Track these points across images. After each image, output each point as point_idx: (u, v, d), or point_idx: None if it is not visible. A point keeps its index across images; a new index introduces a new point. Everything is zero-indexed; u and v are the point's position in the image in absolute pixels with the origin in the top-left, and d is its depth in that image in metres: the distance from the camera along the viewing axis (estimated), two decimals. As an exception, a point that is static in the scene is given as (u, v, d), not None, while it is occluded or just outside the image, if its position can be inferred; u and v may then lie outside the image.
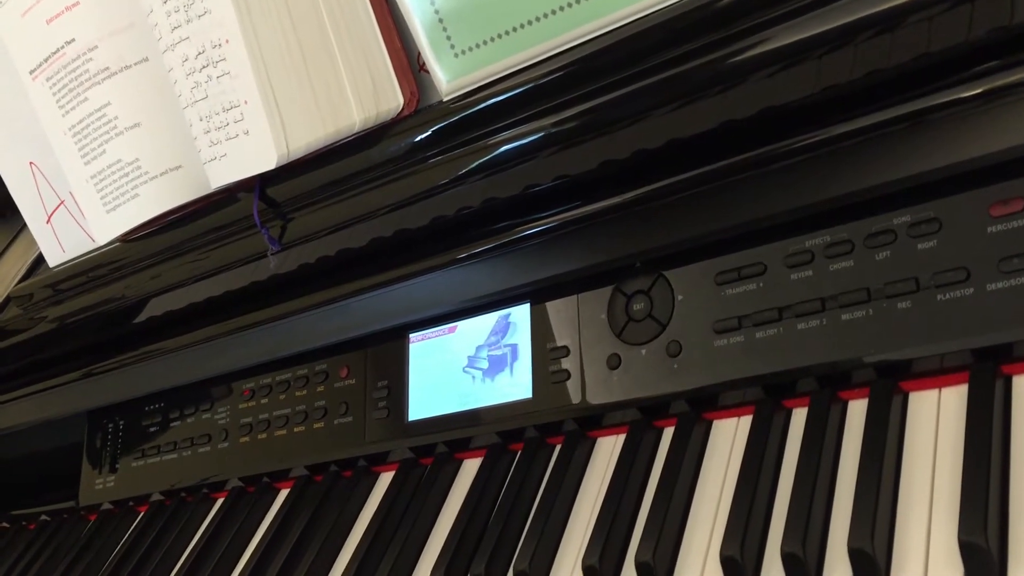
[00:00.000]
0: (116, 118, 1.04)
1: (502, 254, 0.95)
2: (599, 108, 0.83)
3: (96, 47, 1.04)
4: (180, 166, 1.05)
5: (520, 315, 0.98)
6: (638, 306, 0.90)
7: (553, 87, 0.84)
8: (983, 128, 0.72)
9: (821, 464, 0.75)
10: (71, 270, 1.24)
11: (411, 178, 0.94)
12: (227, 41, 0.91)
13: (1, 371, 1.40)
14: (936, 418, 0.74)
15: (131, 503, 1.33)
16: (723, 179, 0.81)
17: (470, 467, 1.01)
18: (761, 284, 0.83)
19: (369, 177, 0.96)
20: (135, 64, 1.04)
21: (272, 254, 1.04)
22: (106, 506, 1.35)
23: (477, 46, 0.87)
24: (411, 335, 1.06)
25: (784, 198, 0.80)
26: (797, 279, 0.81)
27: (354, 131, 0.94)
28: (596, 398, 0.91)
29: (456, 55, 0.88)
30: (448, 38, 0.88)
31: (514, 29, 0.85)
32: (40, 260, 1.37)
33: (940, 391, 0.76)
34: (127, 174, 1.05)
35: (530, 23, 0.84)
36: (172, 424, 1.29)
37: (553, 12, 0.83)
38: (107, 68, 1.04)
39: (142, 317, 1.21)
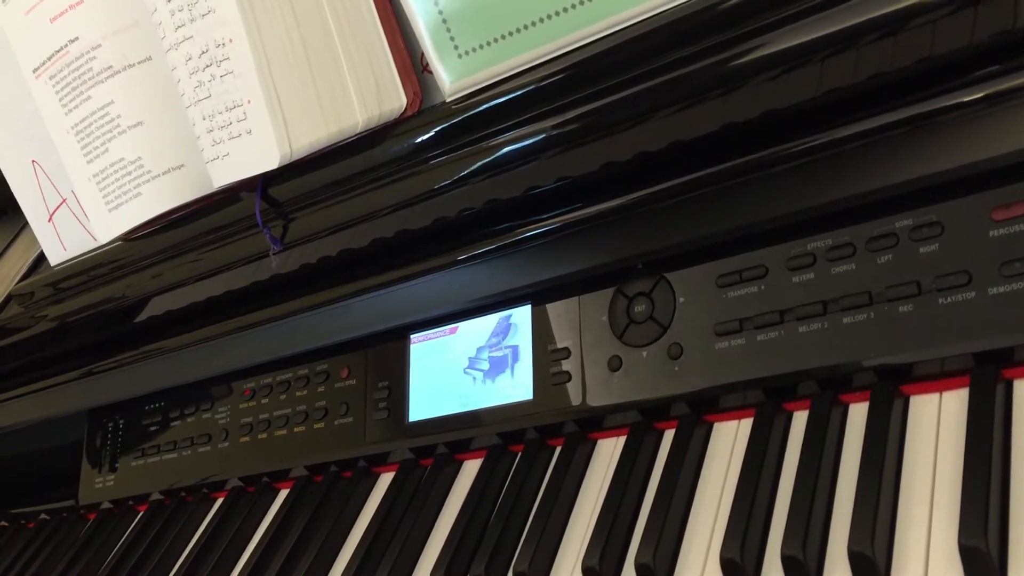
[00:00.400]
0: (119, 117, 1.04)
1: (504, 255, 0.95)
2: (602, 110, 0.83)
3: (99, 46, 1.04)
4: (182, 165, 1.05)
5: (521, 316, 0.98)
6: (639, 308, 0.90)
7: (556, 89, 0.85)
8: (985, 132, 0.72)
9: (822, 467, 0.75)
10: (72, 269, 1.24)
11: (413, 179, 0.94)
12: (231, 40, 0.91)
13: (1, 369, 1.40)
14: (937, 422, 0.74)
15: (131, 502, 1.33)
16: (725, 181, 0.81)
17: (470, 468, 1.01)
18: (763, 287, 0.83)
19: (371, 177, 0.96)
20: (138, 63, 1.04)
21: (274, 254, 1.04)
22: (106, 505, 1.35)
23: (480, 47, 0.87)
24: (412, 336, 1.06)
25: (786, 201, 0.81)
26: (799, 282, 0.81)
27: (357, 131, 0.94)
28: (597, 400, 0.91)
29: (459, 56, 0.88)
30: (451, 39, 0.88)
31: (517, 30, 0.85)
32: (41, 258, 1.37)
33: (941, 395, 0.76)
34: (129, 173, 1.05)
35: (533, 24, 0.84)
36: (172, 423, 1.29)
37: (556, 14, 0.83)
38: (110, 67, 1.04)
39: (143, 316, 1.21)
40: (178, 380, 1.26)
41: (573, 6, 0.82)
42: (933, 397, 0.76)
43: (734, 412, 0.86)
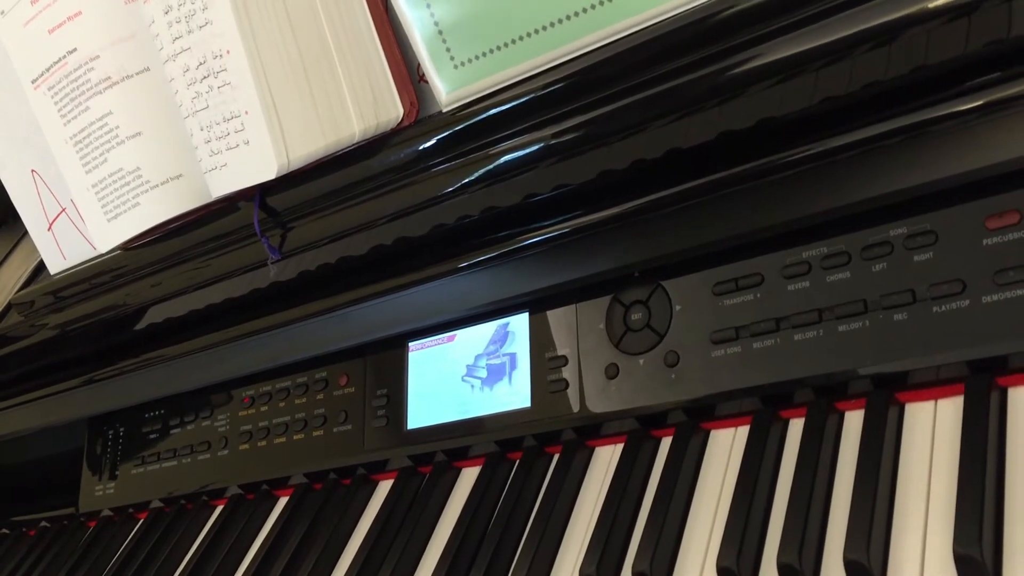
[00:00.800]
0: (117, 127, 1.04)
1: (501, 263, 0.95)
2: (598, 119, 0.83)
3: (98, 57, 1.04)
4: (181, 175, 1.05)
5: (519, 324, 0.98)
6: (636, 316, 0.90)
7: (552, 98, 0.85)
8: (979, 141, 0.72)
9: (817, 474, 0.75)
10: (72, 277, 1.24)
11: (411, 188, 0.95)
12: (228, 52, 0.92)
13: (2, 378, 1.40)
14: (932, 429, 0.75)
15: (131, 510, 1.33)
16: (721, 190, 0.82)
17: (469, 476, 1.01)
18: (758, 295, 0.83)
19: (369, 187, 0.97)
20: (136, 74, 1.04)
21: (272, 263, 1.05)
22: (106, 513, 1.36)
23: (476, 57, 0.87)
24: (410, 344, 1.07)
25: (782, 209, 0.81)
26: (794, 290, 0.81)
27: (354, 141, 0.95)
28: (594, 407, 0.91)
29: (456, 66, 0.89)
30: (448, 49, 0.88)
31: (513, 41, 0.85)
32: (41, 267, 1.38)
33: (936, 402, 0.76)
34: (128, 183, 1.05)
35: (529, 35, 0.85)
36: (172, 431, 1.29)
37: (552, 24, 0.84)
38: (109, 78, 1.04)
39: (143, 324, 1.21)
40: (178, 388, 1.26)
41: (568, 17, 0.83)
42: (928, 405, 0.76)
43: (730, 420, 0.86)
